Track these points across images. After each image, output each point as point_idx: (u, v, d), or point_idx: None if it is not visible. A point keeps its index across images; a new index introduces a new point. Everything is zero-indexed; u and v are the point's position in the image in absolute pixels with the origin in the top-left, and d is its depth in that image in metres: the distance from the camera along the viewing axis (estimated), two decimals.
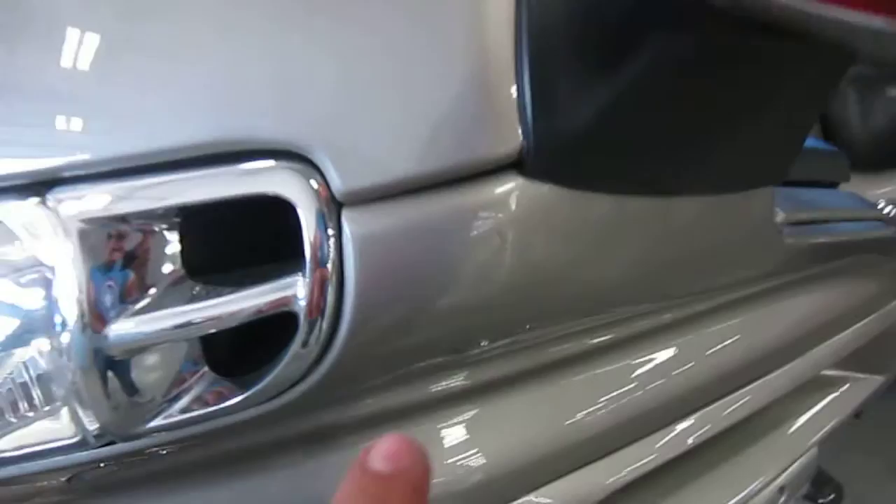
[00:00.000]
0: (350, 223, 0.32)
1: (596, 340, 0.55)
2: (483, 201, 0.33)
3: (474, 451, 0.49)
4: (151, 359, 0.37)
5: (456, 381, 0.48)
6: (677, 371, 0.61)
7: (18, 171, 0.35)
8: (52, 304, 0.35)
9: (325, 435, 0.46)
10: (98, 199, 0.34)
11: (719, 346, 0.64)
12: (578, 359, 0.55)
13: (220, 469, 0.46)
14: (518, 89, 0.32)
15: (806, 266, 0.60)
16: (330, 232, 0.32)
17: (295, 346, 0.34)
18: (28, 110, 0.36)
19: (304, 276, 0.33)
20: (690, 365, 0.62)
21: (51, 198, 0.34)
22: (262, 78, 0.32)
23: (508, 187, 0.33)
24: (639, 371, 0.59)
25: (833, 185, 0.79)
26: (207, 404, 0.38)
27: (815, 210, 0.58)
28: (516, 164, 0.33)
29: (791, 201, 0.53)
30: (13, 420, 0.41)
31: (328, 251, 0.32)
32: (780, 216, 0.50)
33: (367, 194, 0.32)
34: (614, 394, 0.56)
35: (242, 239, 0.37)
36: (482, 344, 0.43)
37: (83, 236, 0.34)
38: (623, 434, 0.59)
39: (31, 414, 0.41)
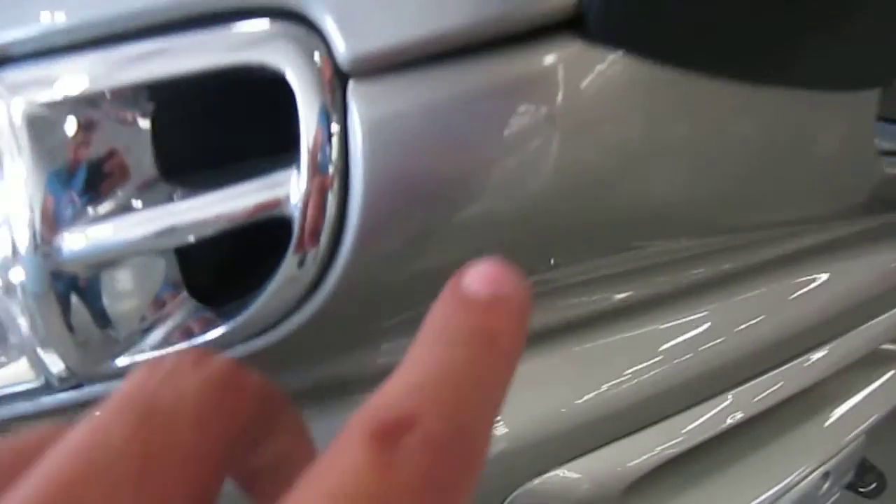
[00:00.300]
0: (358, 100, 0.25)
1: (622, 296, 0.49)
2: (530, 71, 0.26)
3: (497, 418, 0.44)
4: (122, 279, 0.30)
5: None
6: (715, 340, 0.55)
7: None
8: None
9: (341, 389, 0.40)
10: (54, 80, 0.28)
11: (764, 315, 0.57)
12: (604, 319, 0.50)
13: None
14: None
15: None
16: (333, 114, 0.25)
17: (287, 262, 0.27)
18: None
19: (298, 170, 0.26)
20: (730, 334, 0.56)
21: None
22: None
23: (562, 53, 0.26)
24: (671, 337, 0.53)
25: None
26: (189, 335, 0.32)
27: None
28: (573, 22, 0.26)
29: (889, 134, 0.45)
30: None
31: (330, 139, 0.25)
32: (877, 143, 0.42)
33: (380, 61, 0.25)
34: (644, 364, 0.51)
35: (226, 134, 0.31)
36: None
37: (36, 127, 0.28)
38: (655, 408, 0.53)
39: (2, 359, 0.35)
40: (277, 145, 0.27)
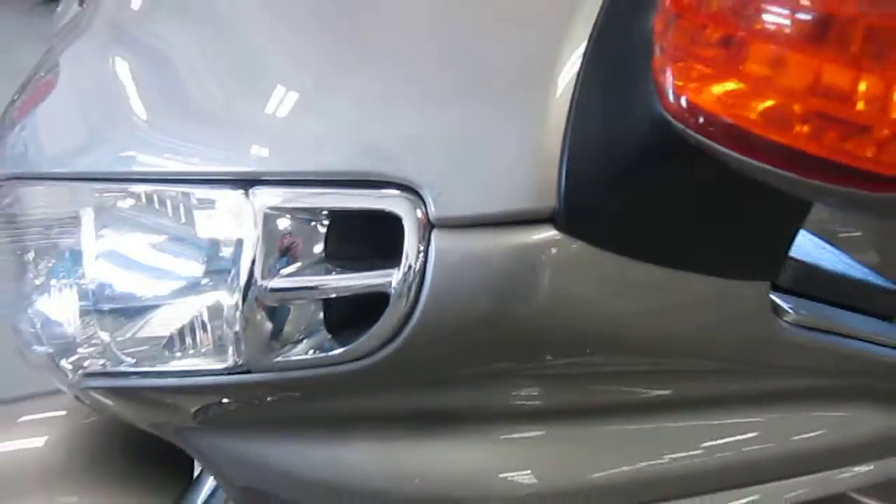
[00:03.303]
0: (437, 240, 0.47)
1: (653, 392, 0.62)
2: (524, 244, 0.47)
3: (526, 471, 0.59)
4: (289, 312, 0.53)
5: (529, 396, 0.58)
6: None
7: (232, 170, 0.52)
8: (237, 265, 0.52)
9: (408, 419, 0.61)
10: (280, 198, 0.51)
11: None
12: (655, 406, 0.62)
13: (318, 428, 0.62)
14: (561, 160, 0.45)
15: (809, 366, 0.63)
16: (421, 245, 0.47)
17: (387, 314, 0.49)
18: (231, 136, 0.54)
19: (398, 270, 0.48)
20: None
21: (251, 192, 0.51)
22: (401, 129, 0.49)
23: (543, 237, 0.46)
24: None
25: (888, 318, 0.72)
26: (320, 351, 0.54)
27: (836, 324, 0.61)
28: (551, 220, 0.46)
29: (816, 314, 0.59)
30: (178, 354, 0.57)
31: (418, 257, 0.47)
32: (790, 316, 0.56)
33: (452, 223, 0.47)
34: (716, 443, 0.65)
35: (364, 238, 0.53)
36: (546, 358, 0.55)
37: (266, 221, 0.51)
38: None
39: (192, 350, 0.57)
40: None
